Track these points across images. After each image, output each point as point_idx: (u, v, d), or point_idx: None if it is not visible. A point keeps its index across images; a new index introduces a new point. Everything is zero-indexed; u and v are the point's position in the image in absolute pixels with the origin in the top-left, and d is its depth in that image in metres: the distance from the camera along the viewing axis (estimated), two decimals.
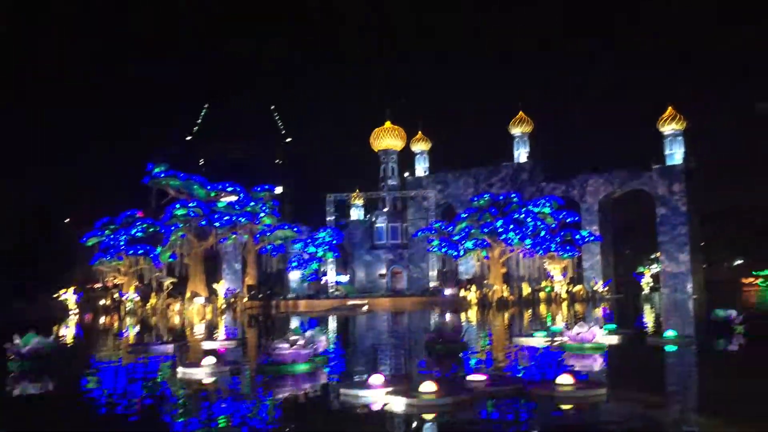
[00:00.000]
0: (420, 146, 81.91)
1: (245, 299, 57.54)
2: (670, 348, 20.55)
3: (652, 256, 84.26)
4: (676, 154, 67.93)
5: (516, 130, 75.82)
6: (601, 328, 21.31)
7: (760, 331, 25.58)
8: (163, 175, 57.91)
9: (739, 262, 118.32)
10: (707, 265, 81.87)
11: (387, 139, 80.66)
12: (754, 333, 23.83)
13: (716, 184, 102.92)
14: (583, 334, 19.09)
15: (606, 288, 66.07)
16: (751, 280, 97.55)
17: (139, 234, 55.73)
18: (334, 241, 67.02)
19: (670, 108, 68.91)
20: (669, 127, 68.10)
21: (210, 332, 31.06)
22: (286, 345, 16.31)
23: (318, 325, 29.40)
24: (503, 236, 60.50)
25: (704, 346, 21.62)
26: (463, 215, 65.03)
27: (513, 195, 65.66)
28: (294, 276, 67.97)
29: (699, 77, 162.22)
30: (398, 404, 11.86)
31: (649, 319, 37.63)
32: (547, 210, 63.31)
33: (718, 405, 12.66)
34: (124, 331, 34.91)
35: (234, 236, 59.28)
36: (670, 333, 22.07)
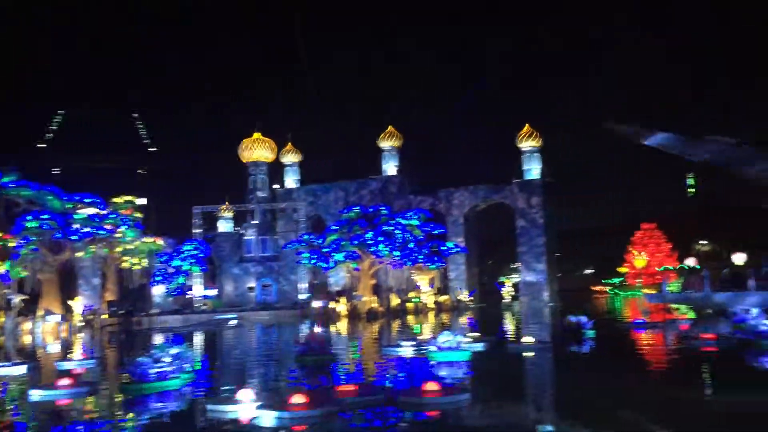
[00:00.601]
0: (290, 158, 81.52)
1: (105, 316, 54.65)
2: (528, 353, 21.73)
3: (513, 266, 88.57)
4: (533, 170, 71.88)
5: (385, 144, 77.28)
6: (465, 336, 22.24)
7: (608, 334, 27.61)
8: (12, 185, 54.08)
9: (589, 271, 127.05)
10: (561, 275, 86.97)
11: (256, 150, 79.62)
12: (603, 336, 25.72)
13: (572, 199, 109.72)
14: (449, 343, 19.80)
15: (471, 297, 68.71)
16: (600, 288, 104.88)
17: None
18: (201, 254, 65.20)
19: (527, 125, 72.80)
20: (527, 144, 71.93)
21: (65, 351, 29.37)
22: (150, 362, 15.73)
23: (184, 341, 28.55)
24: (373, 248, 61.35)
25: (559, 351, 23.06)
26: (334, 227, 65.31)
27: (382, 207, 66.71)
28: (158, 291, 65.36)
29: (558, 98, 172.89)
30: (268, 418, 11.78)
31: (509, 326, 39.52)
32: (415, 222, 64.87)
33: (573, 405, 13.57)
34: None
35: (93, 249, 56.17)
36: (528, 339, 23.44)
